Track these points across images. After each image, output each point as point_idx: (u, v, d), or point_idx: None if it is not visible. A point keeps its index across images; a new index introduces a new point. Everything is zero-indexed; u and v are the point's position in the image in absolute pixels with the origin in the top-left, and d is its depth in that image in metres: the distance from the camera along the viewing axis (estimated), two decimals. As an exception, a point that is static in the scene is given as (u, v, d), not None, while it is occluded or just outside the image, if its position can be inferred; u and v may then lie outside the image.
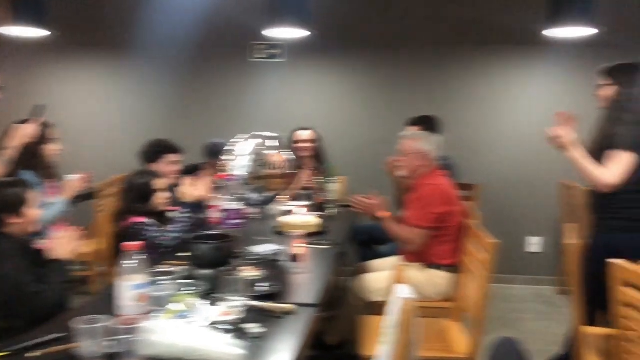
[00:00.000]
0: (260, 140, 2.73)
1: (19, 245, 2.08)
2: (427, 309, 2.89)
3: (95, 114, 5.03)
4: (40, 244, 2.17)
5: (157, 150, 3.27)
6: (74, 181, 3.15)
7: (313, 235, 2.92)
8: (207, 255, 2.00)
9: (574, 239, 2.31)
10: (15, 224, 2.09)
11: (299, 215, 3.25)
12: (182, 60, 4.90)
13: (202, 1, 4.68)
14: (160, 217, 2.82)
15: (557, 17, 3.64)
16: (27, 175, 2.87)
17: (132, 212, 2.72)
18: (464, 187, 4.08)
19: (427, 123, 3.76)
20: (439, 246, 2.95)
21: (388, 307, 1.73)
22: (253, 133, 2.77)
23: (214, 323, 1.63)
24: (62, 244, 2.13)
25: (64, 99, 4.97)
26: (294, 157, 4.18)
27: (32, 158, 3.00)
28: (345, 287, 3.39)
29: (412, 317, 1.51)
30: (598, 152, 2.57)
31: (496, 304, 4.34)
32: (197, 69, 4.92)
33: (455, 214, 2.97)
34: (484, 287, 2.30)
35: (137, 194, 2.74)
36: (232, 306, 1.65)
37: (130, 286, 1.70)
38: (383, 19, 4.71)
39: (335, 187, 3.74)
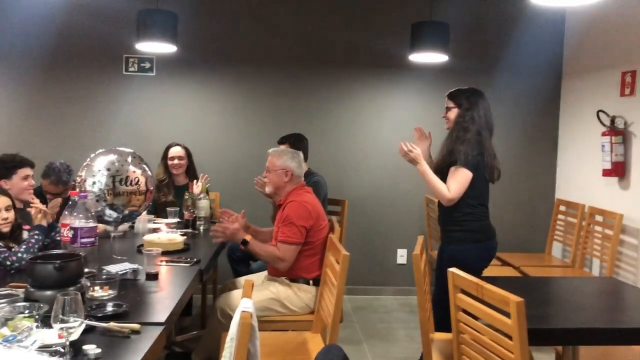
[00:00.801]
0: (118, 156, 2.65)
1: None
2: (292, 322, 2.97)
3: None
4: None
5: (9, 165, 3.08)
6: None
7: (176, 253, 2.89)
8: (48, 276, 1.90)
9: (418, 250, 2.47)
10: None
11: (164, 233, 3.20)
12: (53, 72, 4.67)
13: (70, 9, 4.52)
14: (10, 236, 2.64)
15: (417, 44, 3.95)
16: None
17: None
18: (331, 202, 4.24)
19: (294, 140, 3.86)
20: (304, 260, 3.02)
21: (232, 321, 1.75)
22: (111, 148, 2.69)
23: (45, 346, 1.56)
24: None
25: None
26: (165, 172, 4.13)
27: None
28: (212, 305, 3.37)
29: (249, 329, 1.54)
30: (443, 167, 2.80)
31: (367, 314, 4.52)
32: (70, 81, 4.70)
33: (320, 228, 3.06)
34: (337, 298, 2.39)
35: (-26, 213, 2.55)
36: (68, 328, 1.58)
37: (-46, 311, 1.60)
38: (254, 37, 4.80)
39: (206, 204, 3.72)
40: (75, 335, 1.60)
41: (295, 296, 3.00)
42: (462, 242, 2.82)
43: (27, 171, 3.12)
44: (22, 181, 3.08)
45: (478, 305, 2.01)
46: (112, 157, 2.63)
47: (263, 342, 1.88)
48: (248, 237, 2.98)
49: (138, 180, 2.64)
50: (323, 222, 3.11)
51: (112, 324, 1.78)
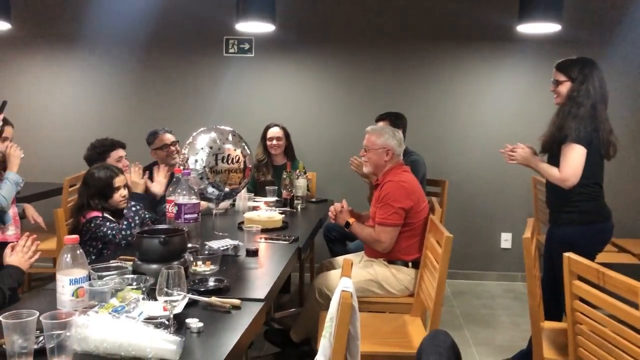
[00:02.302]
0: (219, 134, 2.68)
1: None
2: (390, 304, 2.90)
3: (61, 108, 4.97)
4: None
5: (100, 150, 3.23)
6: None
7: (275, 231, 2.90)
8: (154, 250, 1.96)
9: (529, 233, 2.30)
10: None
11: (263, 211, 3.23)
12: (154, 54, 4.86)
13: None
14: (120, 212, 2.78)
15: (527, 13, 3.66)
16: None
17: (90, 207, 2.68)
18: (431, 182, 4.09)
19: (394, 118, 3.75)
20: (403, 242, 2.93)
21: (332, 301, 1.71)
22: (212, 126, 2.72)
23: (151, 318, 1.60)
24: (19, 255, 2.11)
25: (23, 94, 4.92)
26: (264, 152, 4.18)
27: None
28: (310, 283, 3.37)
29: (350, 310, 1.49)
30: (552, 145, 2.59)
31: (468, 299, 4.35)
32: (171, 63, 4.87)
33: (420, 210, 2.95)
34: (439, 282, 2.28)
35: (95, 190, 2.69)
36: (172, 301, 1.61)
37: (69, 280, 1.68)
38: (352, 14, 4.70)
39: (303, 183, 3.72)
40: (178, 309, 1.62)
41: (393, 278, 2.92)
42: (573, 224, 2.59)
43: (119, 152, 3.26)
44: (117, 163, 3.21)
45: (598, 294, 1.83)
46: (213, 135, 2.66)
47: (361, 323, 1.82)
48: (351, 220, 3.00)
49: (238, 158, 2.66)
50: (423, 203, 3.00)
51: (214, 299, 1.80)
